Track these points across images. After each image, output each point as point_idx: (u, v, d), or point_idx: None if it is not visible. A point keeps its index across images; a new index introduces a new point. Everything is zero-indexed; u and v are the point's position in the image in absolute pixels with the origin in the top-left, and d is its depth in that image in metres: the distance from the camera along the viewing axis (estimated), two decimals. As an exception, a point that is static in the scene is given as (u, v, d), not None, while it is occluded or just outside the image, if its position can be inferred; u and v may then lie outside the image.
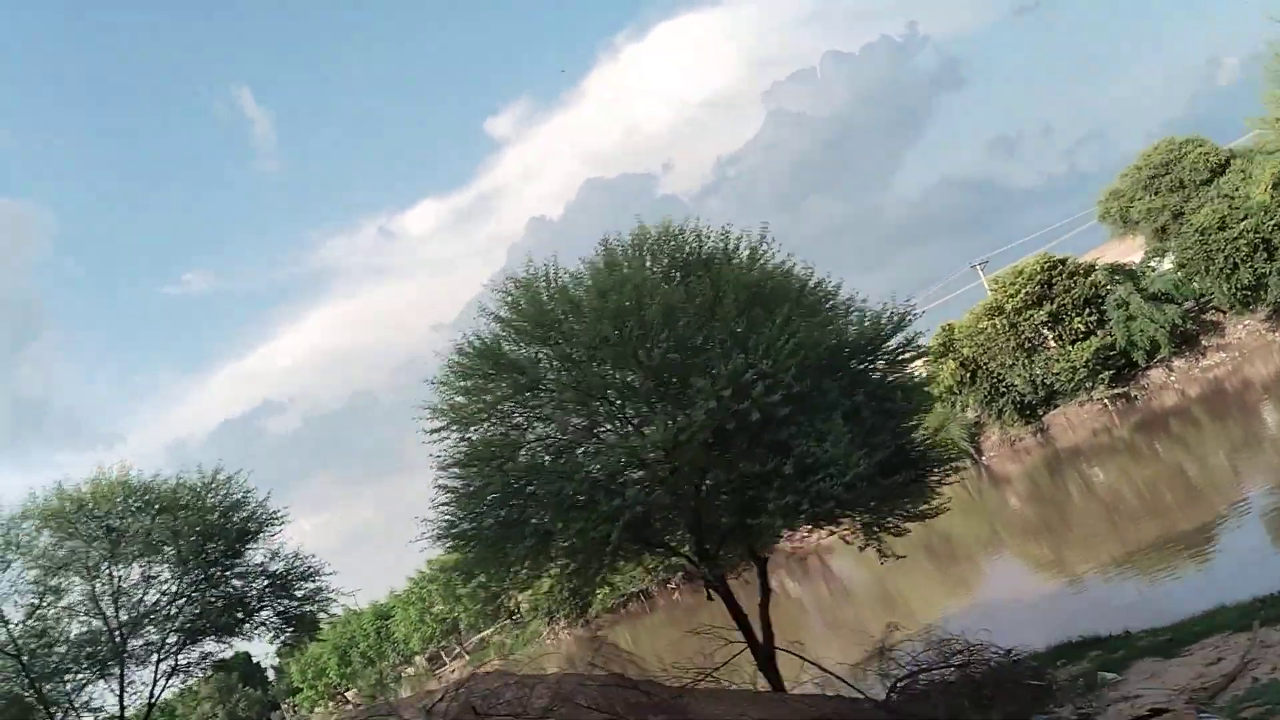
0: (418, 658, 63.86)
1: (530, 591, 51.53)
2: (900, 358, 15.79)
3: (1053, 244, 46.22)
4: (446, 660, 63.49)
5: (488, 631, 61.82)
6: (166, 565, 21.61)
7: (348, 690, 67.73)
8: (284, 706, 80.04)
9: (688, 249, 14.61)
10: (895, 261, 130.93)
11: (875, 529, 14.59)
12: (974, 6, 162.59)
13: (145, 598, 21.48)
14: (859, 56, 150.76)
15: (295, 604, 22.73)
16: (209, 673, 25.10)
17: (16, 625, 20.55)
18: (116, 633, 20.85)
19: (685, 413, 12.45)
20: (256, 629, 23.00)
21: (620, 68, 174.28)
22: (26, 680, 20.07)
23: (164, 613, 21.41)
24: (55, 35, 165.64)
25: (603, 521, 12.48)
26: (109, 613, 21.11)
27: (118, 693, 21.21)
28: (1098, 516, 28.38)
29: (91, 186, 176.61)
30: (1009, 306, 39.38)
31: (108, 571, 21.24)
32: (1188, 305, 37.82)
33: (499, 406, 14.42)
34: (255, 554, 22.40)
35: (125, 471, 21.53)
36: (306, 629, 23.99)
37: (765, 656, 14.49)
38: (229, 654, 24.85)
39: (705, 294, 13.57)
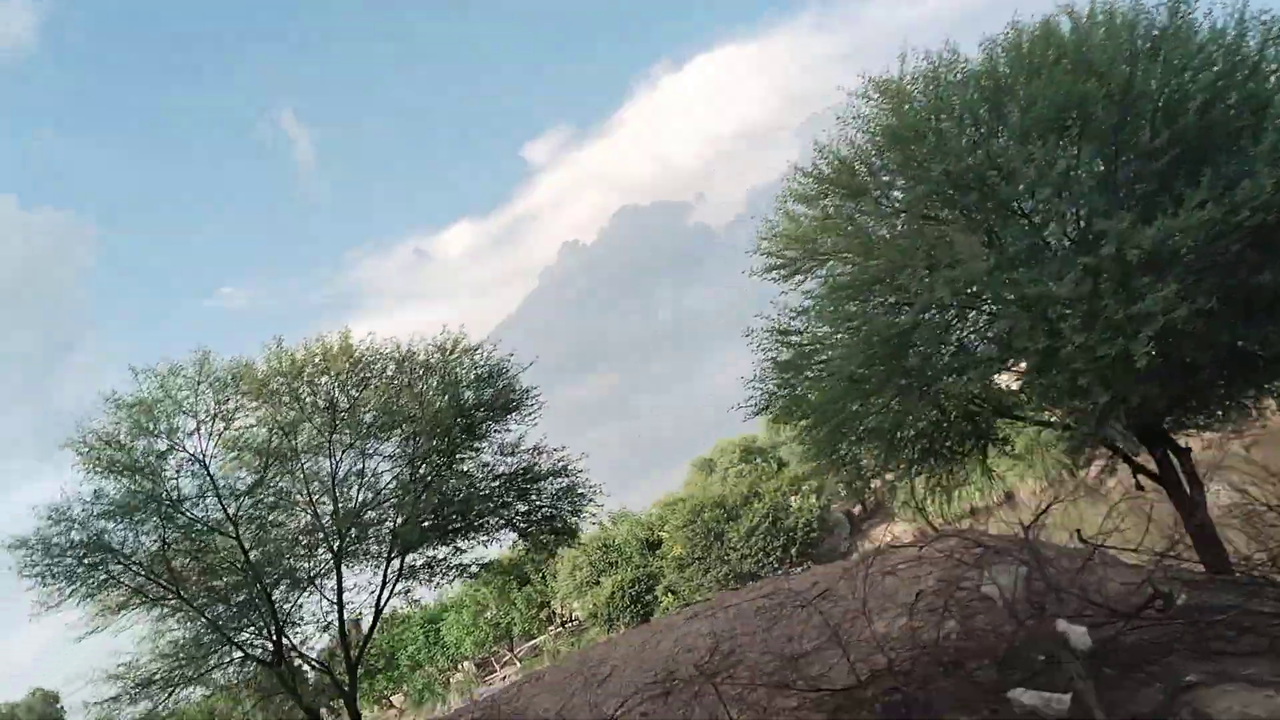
0: (466, 663, 62.31)
1: (590, 597, 49.84)
2: None
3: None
4: (497, 667, 61.91)
5: (541, 638, 60.14)
6: (398, 445, 19.37)
7: (394, 695, 66.37)
8: (324, 712, 79.21)
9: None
10: None
11: None
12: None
13: (371, 485, 19.26)
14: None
15: (545, 504, 20.44)
16: (456, 576, 22.04)
17: (235, 502, 18.35)
18: (333, 528, 18.59)
19: (1228, 195, 9.78)
20: (501, 528, 20.72)
21: (657, 98, 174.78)
22: (249, 571, 18.06)
23: (392, 503, 19.05)
24: (102, 50, 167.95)
25: (1112, 335, 9.79)
26: (325, 502, 18.98)
27: (335, 598, 19.24)
28: None
29: (133, 199, 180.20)
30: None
31: (327, 452, 18.90)
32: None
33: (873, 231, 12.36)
34: (502, 438, 19.99)
35: (347, 338, 19.08)
36: (561, 535, 21.43)
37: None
38: (472, 559, 22.08)
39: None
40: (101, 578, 17.22)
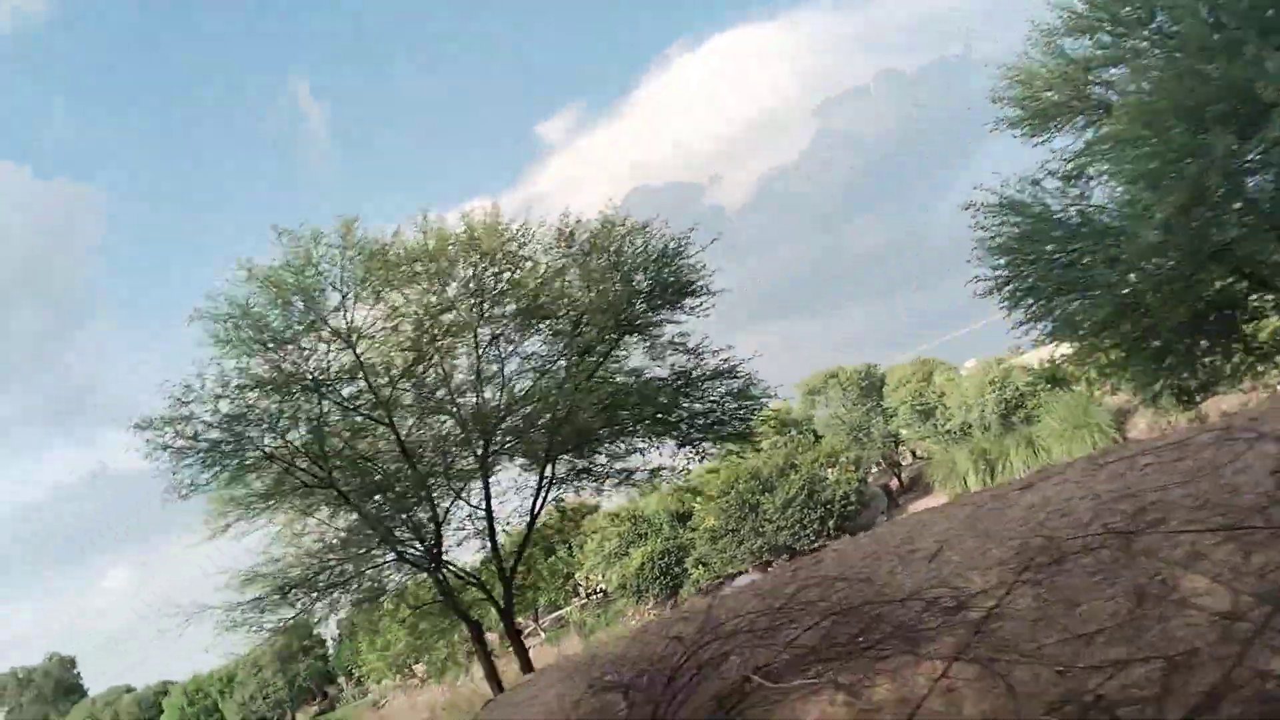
0: (490, 634, 61.99)
1: (619, 568, 49.33)
2: None
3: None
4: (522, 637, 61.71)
5: (567, 609, 59.76)
6: (550, 335, 17.42)
7: (416, 664, 66.13)
8: (341, 679, 79.12)
9: None
10: (940, 287, 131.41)
11: None
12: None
13: (521, 380, 17.18)
14: (914, 77, 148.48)
15: (714, 405, 18.04)
16: (618, 483, 19.76)
17: (390, 387, 16.42)
18: (477, 429, 16.53)
19: None
20: (664, 433, 18.36)
21: (672, 78, 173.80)
22: (406, 462, 16.44)
23: (545, 400, 16.79)
24: (116, 22, 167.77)
25: None
26: (471, 397, 16.91)
27: (482, 504, 17.40)
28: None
29: (146, 173, 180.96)
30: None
31: (473, 343, 16.90)
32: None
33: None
34: (669, 329, 17.68)
35: (496, 214, 16.74)
36: (738, 438, 19.05)
37: None
38: (636, 465, 19.51)
39: None
40: (245, 459, 15.56)
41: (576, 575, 58.46)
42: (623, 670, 7.03)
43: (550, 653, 58.23)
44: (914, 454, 52.57)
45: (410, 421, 17.25)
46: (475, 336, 16.93)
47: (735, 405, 18.30)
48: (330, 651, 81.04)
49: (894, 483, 48.78)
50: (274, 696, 73.41)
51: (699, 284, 17.54)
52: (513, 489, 18.49)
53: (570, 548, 57.03)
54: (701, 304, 17.73)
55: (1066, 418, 39.39)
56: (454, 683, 62.32)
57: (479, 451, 16.98)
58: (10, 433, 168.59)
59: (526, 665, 17.70)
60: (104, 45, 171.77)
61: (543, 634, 59.52)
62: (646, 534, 51.14)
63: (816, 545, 43.75)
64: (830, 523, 43.14)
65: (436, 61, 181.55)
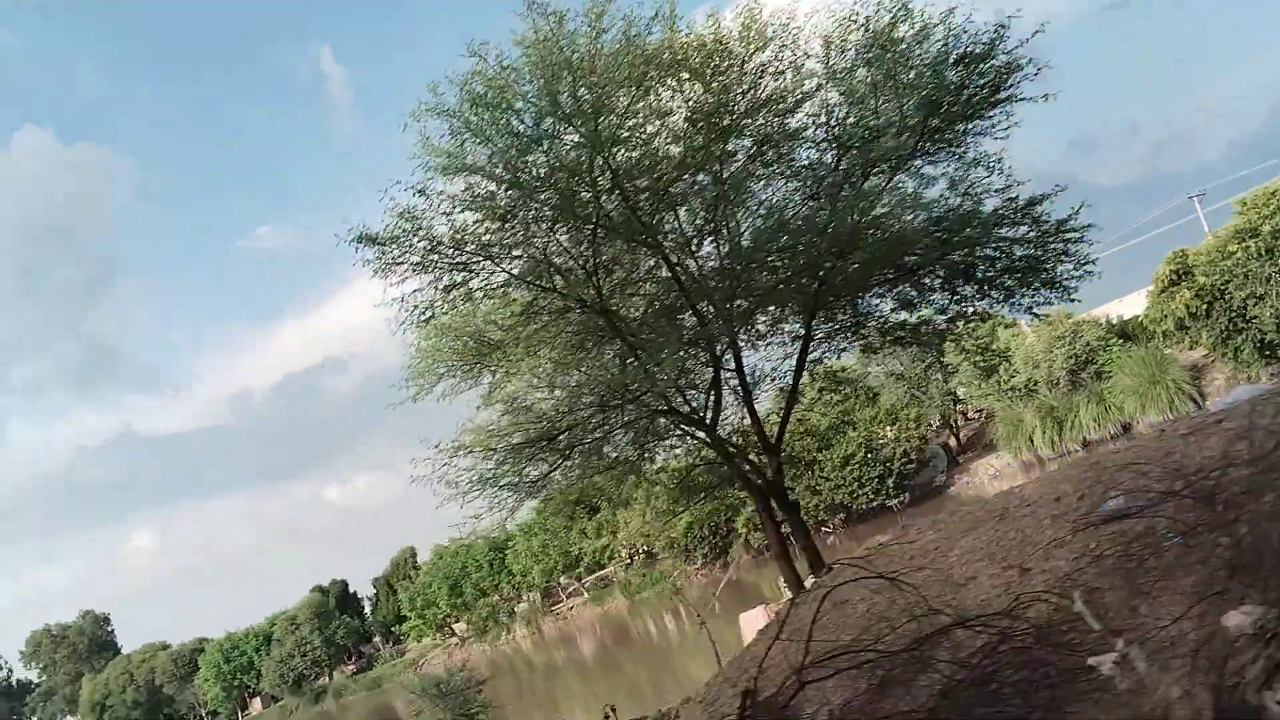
0: (533, 593, 61.76)
1: (666, 529, 48.74)
2: None
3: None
4: (563, 596, 61.33)
5: (611, 568, 59.30)
6: (814, 158, 14.49)
7: (456, 622, 66.12)
8: (378, 638, 79.33)
9: None
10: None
11: None
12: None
13: (777, 212, 14.27)
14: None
15: (1027, 244, 14.73)
16: (890, 340, 17.10)
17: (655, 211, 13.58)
18: (737, 261, 14.00)
19: None
20: (959, 277, 15.06)
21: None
22: (677, 292, 13.94)
23: (811, 239, 13.65)
24: None
25: None
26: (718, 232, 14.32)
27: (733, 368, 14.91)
28: None
29: (171, 138, 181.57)
30: (1265, 229, 34.80)
31: (717, 166, 14.09)
32: None
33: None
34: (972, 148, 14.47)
35: (752, 11, 13.66)
36: (1046, 289, 15.14)
37: None
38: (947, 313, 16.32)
39: None
40: (496, 272, 13.16)
41: (622, 534, 57.98)
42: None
43: (594, 613, 57.94)
44: (965, 415, 51.49)
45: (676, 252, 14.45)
46: (720, 163, 14.03)
47: (1052, 246, 14.67)
48: (367, 610, 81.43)
49: (951, 441, 47.76)
50: (311, 655, 73.58)
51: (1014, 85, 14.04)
52: (762, 345, 15.95)
53: (614, 507, 56.53)
54: (1012, 117, 14.34)
55: (1140, 374, 38.22)
56: (495, 641, 62.22)
57: (734, 299, 14.23)
58: (39, 396, 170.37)
59: (817, 561, 15.85)
60: (128, 10, 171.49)
61: (586, 593, 59.19)
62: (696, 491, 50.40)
63: (875, 505, 42.90)
64: (889, 481, 42.26)
65: (455, 24, 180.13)
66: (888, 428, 43.17)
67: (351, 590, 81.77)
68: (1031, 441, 40.75)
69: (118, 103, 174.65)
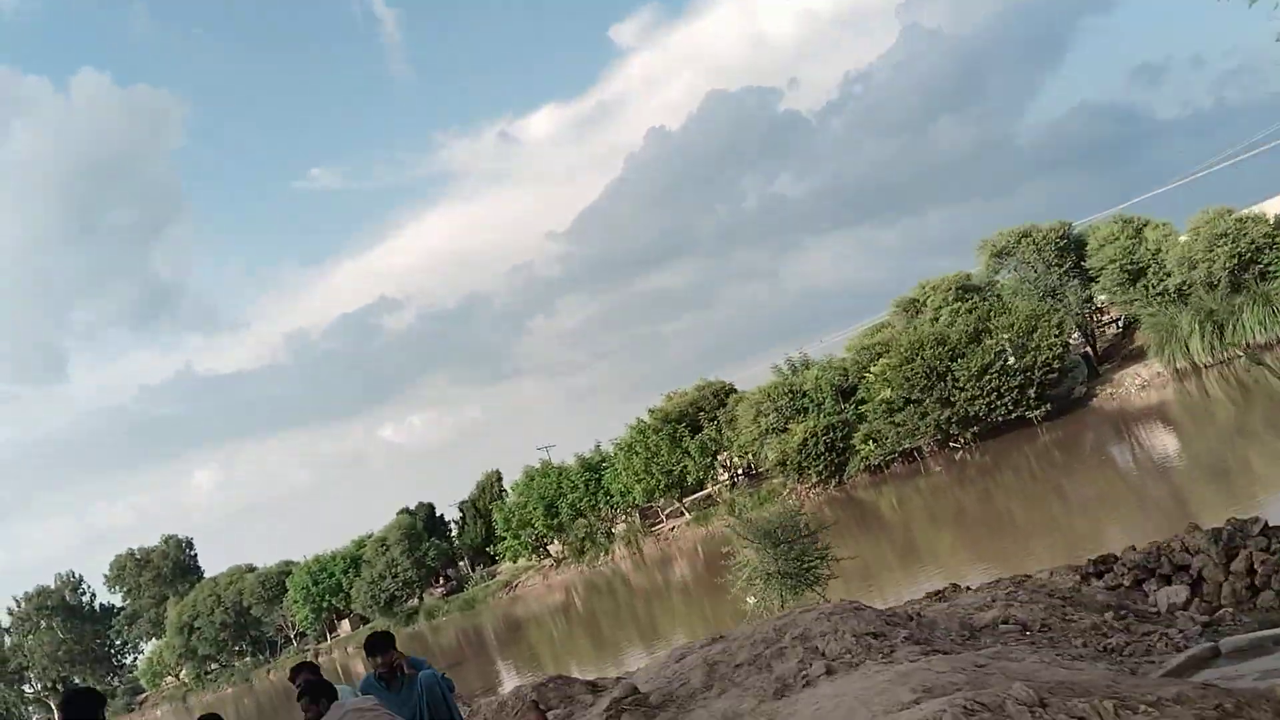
0: (633, 513, 60.99)
1: (777, 444, 47.32)
2: None
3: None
4: (664, 518, 60.51)
5: (714, 487, 58.23)
6: None
7: (550, 544, 65.75)
8: (464, 562, 79.61)
9: None
10: (1024, 191, 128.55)
11: None
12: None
13: None
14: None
15: None
16: None
17: None
18: None
19: None
20: None
21: None
22: None
23: None
24: None
25: None
26: None
27: None
28: None
29: (226, 80, 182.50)
30: None
31: None
32: None
33: None
34: None
35: None
36: None
37: None
38: None
39: None
40: None
41: (727, 452, 56.81)
42: None
43: (698, 534, 57.06)
44: (1102, 323, 49.23)
45: None
46: None
47: None
48: (454, 533, 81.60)
49: (1089, 351, 45.67)
50: (402, 576, 73.89)
51: None
52: None
53: (718, 423, 55.30)
54: None
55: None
56: (593, 563, 61.78)
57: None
58: (100, 336, 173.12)
59: None
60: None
61: (687, 514, 58.28)
62: (807, 408, 48.89)
63: (1014, 416, 41.12)
64: (1030, 392, 40.39)
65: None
66: (1028, 336, 41.13)
67: (438, 514, 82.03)
68: (1186, 348, 38.62)
69: (173, 44, 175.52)
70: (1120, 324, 47.22)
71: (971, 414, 41.34)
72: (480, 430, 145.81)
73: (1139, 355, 42.47)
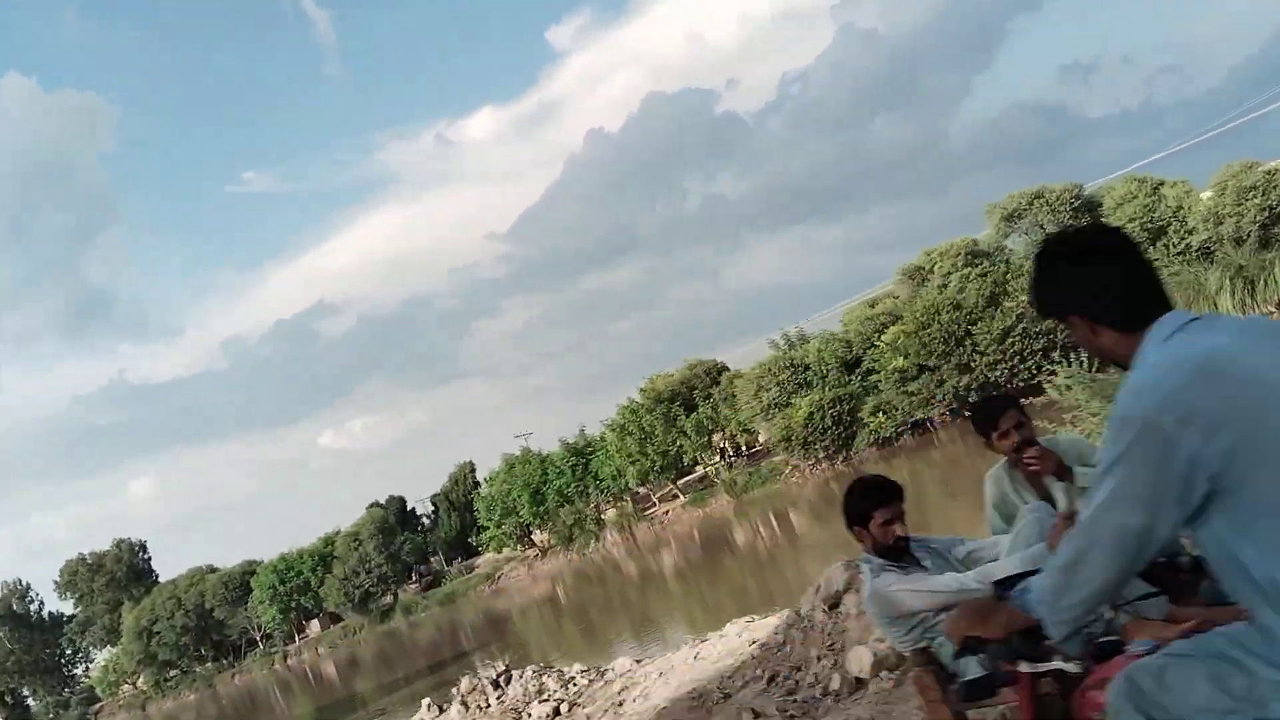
0: (625, 497, 59.08)
1: (780, 420, 45.76)
2: None
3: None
4: (656, 501, 58.72)
5: (713, 466, 56.52)
6: None
7: (536, 531, 63.73)
8: (439, 555, 77.27)
9: None
10: (958, 188, 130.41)
11: None
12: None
13: None
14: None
15: None
16: None
17: None
18: None
19: None
20: None
21: None
22: None
23: None
24: None
25: None
26: None
27: None
28: None
29: (157, 83, 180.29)
30: None
31: None
32: None
33: None
34: None
35: None
36: None
37: None
38: None
39: None
40: None
41: (727, 430, 55.14)
42: None
43: (694, 516, 55.41)
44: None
45: None
46: None
47: None
48: (428, 526, 79.19)
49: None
50: (376, 572, 71.36)
51: None
52: None
53: (714, 401, 53.66)
54: None
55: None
56: (583, 550, 59.76)
57: None
58: (31, 343, 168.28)
59: None
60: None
61: (682, 496, 56.56)
62: (811, 381, 47.41)
63: (1036, 381, 39.91)
64: (1054, 354, 39.17)
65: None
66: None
67: (409, 507, 79.54)
68: (1215, 306, 37.61)
69: (103, 48, 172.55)
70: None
71: (993, 379, 40.08)
72: (423, 434, 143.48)
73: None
